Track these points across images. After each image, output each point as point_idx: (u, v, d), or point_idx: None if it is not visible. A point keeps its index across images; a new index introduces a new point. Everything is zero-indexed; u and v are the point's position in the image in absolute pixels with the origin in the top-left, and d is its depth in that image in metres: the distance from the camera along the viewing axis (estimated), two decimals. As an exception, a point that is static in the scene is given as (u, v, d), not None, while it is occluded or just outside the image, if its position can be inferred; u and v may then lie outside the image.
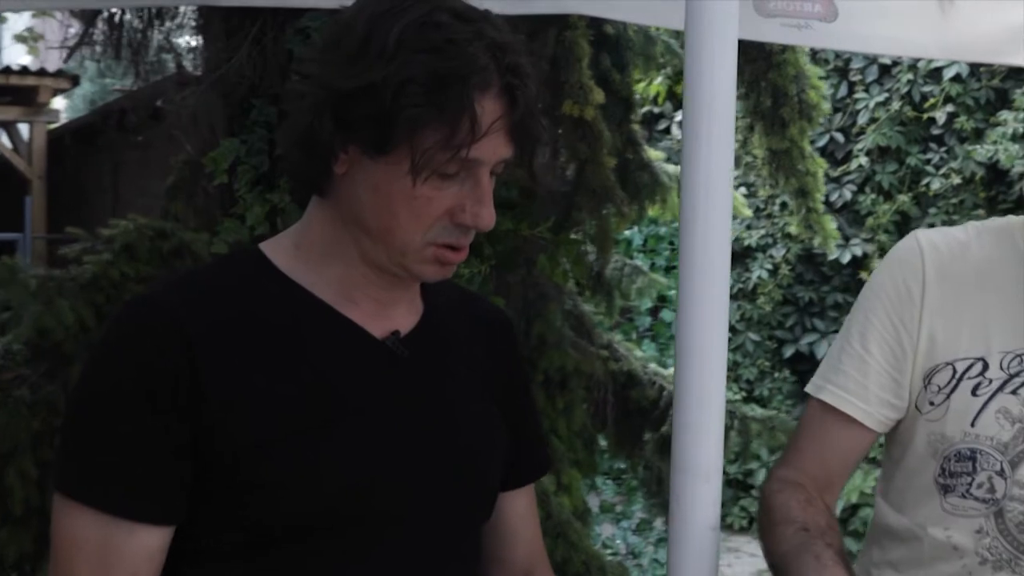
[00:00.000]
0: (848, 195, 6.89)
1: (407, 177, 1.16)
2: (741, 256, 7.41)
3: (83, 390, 1.20)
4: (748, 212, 4.81)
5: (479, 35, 1.15)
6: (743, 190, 6.96)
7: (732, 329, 7.43)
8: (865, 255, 6.82)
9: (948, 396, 1.52)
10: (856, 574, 1.61)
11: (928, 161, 6.50)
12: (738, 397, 7.02)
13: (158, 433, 1.15)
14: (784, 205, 6.62)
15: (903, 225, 6.56)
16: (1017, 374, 1.50)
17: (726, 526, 6.69)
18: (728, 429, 3.91)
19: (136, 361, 1.16)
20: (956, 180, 6.46)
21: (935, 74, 6.42)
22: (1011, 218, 1.60)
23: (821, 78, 3.87)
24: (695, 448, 1.56)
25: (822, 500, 1.53)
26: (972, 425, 1.50)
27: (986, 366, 1.51)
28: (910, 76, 6.51)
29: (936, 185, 6.52)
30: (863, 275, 6.79)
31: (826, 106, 3.86)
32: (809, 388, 1.62)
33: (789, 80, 3.71)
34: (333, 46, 1.18)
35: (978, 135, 6.46)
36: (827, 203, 6.92)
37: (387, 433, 1.23)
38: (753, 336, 7.26)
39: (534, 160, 1.24)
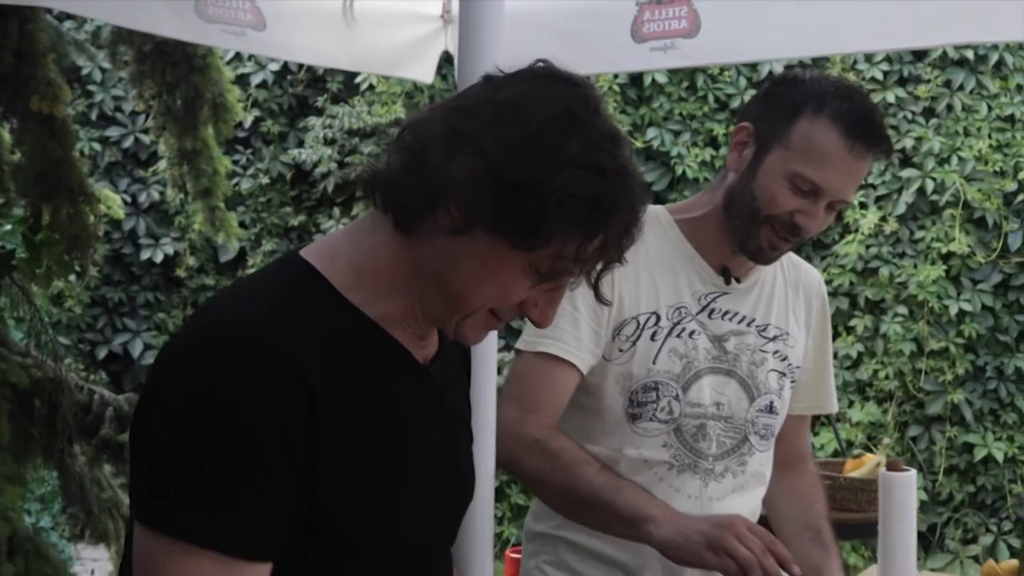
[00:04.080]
0: (156, 195, 7.03)
1: (523, 271, 1.21)
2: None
3: (198, 426, 1.13)
4: (121, 213, 4.80)
5: (631, 169, 1.23)
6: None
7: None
8: (176, 253, 7.04)
9: (634, 343, 1.95)
10: None
11: (236, 163, 6.89)
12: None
13: (280, 476, 1.15)
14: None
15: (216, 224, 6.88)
16: (679, 322, 1.98)
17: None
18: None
19: (267, 404, 1.13)
20: (264, 180, 6.97)
21: (242, 79, 6.83)
22: (654, 207, 2.07)
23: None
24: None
25: None
26: (654, 363, 1.95)
27: (659, 318, 1.97)
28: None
29: (246, 185, 6.95)
30: (179, 272, 7.00)
31: (240, 108, 4.08)
32: (523, 344, 1.94)
33: (210, 83, 3.88)
34: (501, 122, 1.18)
35: (283, 138, 7.03)
36: (134, 203, 7.03)
37: (440, 465, 1.34)
38: (64, 340, 7.08)
39: (605, 273, 1.29)
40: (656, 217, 2.04)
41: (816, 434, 6.02)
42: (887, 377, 6.26)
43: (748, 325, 2.03)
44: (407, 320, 1.29)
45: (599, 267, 1.26)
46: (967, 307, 6.13)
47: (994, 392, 6.20)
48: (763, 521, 2.27)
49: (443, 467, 1.35)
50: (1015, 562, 2.22)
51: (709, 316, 1.99)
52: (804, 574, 1.93)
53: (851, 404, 6.33)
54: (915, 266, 6.23)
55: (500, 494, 6.40)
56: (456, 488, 1.40)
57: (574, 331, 1.92)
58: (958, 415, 6.20)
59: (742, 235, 1.94)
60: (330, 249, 1.29)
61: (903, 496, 2.06)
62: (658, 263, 1.99)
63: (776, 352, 2.05)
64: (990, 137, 6.18)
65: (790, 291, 2.10)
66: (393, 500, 1.25)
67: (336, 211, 7.08)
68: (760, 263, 2.00)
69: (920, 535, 6.20)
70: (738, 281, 2.03)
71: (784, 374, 2.06)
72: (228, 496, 1.13)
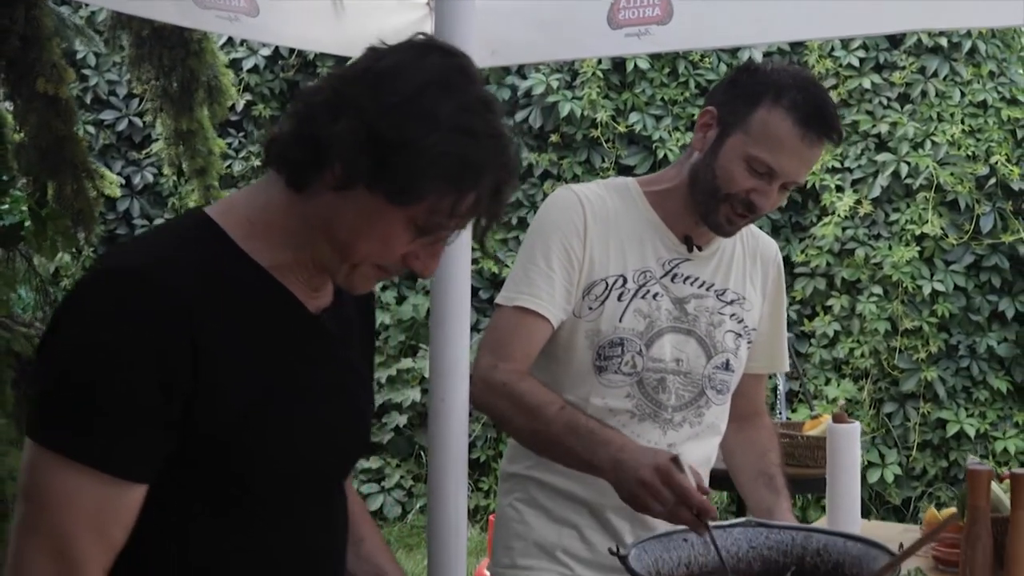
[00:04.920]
0: (150, 177, 7.19)
1: (401, 225, 1.32)
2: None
3: (86, 358, 1.26)
4: (117, 192, 4.95)
5: (502, 132, 1.34)
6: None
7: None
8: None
9: (603, 303, 2.13)
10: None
11: (229, 145, 7.04)
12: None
13: (159, 406, 1.28)
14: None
15: (210, 202, 7.03)
16: (644, 284, 2.15)
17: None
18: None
19: (149, 340, 1.26)
20: (256, 162, 7.12)
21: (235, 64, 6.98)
22: (625, 179, 2.25)
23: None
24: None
25: None
26: (620, 321, 2.13)
27: (625, 280, 2.14)
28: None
29: (238, 167, 7.11)
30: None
31: (233, 91, 4.24)
32: (501, 299, 2.12)
33: (205, 67, 4.04)
34: (380, 87, 1.29)
35: (274, 122, 7.18)
36: (128, 185, 7.18)
37: (327, 406, 1.45)
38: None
39: (488, 229, 1.39)
40: (627, 188, 2.21)
41: (794, 411, 6.21)
42: (863, 355, 6.45)
43: (707, 289, 2.20)
44: (300, 271, 1.41)
45: (483, 223, 1.36)
46: (940, 287, 6.32)
47: (966, 370, 6.39)
48: (719, 473, 2.46)
49: (330, 408, 1.45)
50: (953, 509, 2.39)
51: (672, 280, 2.16)
52: (754, 515, 2.12)
53: (828, 382, 6.52)
54: (890, 247, 6.41)
55: (487, 468, 6.58)
56: (344, 430, 1.49)
57: (549, 288, 2.09)
58: (931, 392, 6.39)
59: (704, 209, 2.11)
60: (228, 205, 1.42)
61: (848, 445, 2.25)
62: (627, 230, 2.16)
63: (733, 315, 2.22)
64: (963, 123, 6.36)
65: (748, 260, 2.27)
66: (276, 432, 1.36)
67: (327, 193, 7.22)
68: (720, 236, 2.17)
69: (895, 508, 6.42)
70: (700, 249, 2.20)
71: (740, 335, 2.23)
72: (110, 421, 1.26)
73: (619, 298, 2.13)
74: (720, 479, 2.71)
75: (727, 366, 2.21)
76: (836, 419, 2.30)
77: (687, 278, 2.18)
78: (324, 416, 1.44)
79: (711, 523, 1.78)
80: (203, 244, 1.35)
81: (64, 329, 1.29)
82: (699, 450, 2.20)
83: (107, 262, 1.37)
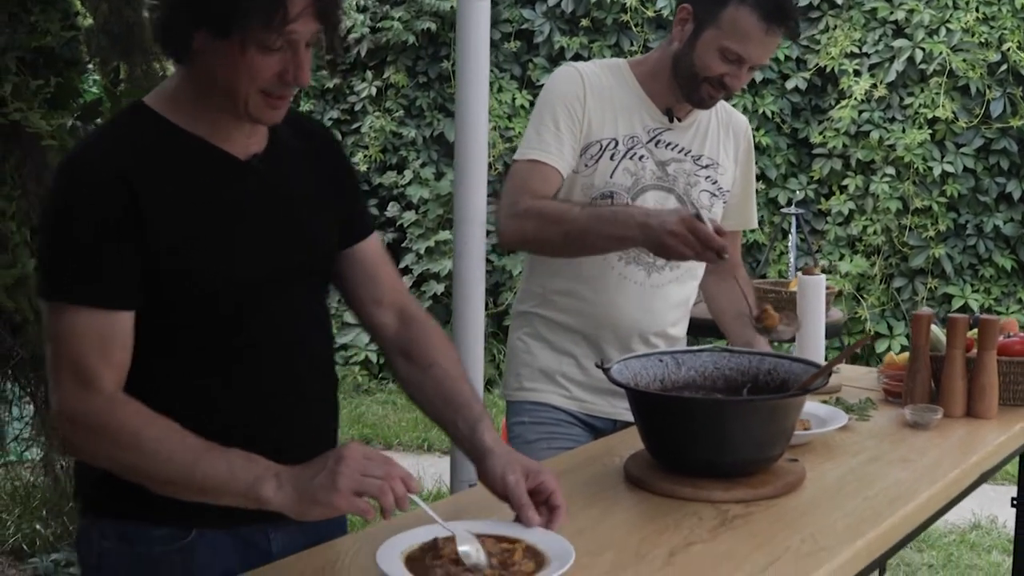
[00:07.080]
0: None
1: (241, 53, 1.58)
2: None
3: (63, 229, 1.61)
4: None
5: None
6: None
7: None
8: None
9: (597, 161, 2.52)
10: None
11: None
12: None
13: (119, 249, 1.60)
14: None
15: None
16: (631, 148, 2.54)
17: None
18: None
19: (98, 204, 1.59)
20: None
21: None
22: (618, 60, 2.63)
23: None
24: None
25: None
26: (611, 177, 2.52)
27: (616, 143, 2.53)
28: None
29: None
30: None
31: None
32: (517, 156, 2.53)
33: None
34: None
35: None
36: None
37: (263, 225, 1.73)
38: None
39: (335, 35, 1.63)
40: (619, 67, 2.60)
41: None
42: (875, 233, 6.79)
43: (685, 155, 2.58)
44: (221, 127, 1.69)
45: (326, 29, 1.61)
46: (950, 169, 6.63)
47: (973, 248, 6.72)
48: (704, 322, 2.87)
49: (267, 229, 1.73)
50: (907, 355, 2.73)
51: (655, 146, 2.55)
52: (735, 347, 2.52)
53: (842, 257, 6.88)
54: (903, 130, 6.70)
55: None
56: (287, 246, 1.76)
57: (557, 144, 2.48)
58: (939, 268, 6.74)
59: (686, 90, 2.50)
60: (159, 89, 1.73)
61: (814, 293, 2.64)
62: (619, 102, 2.54)
63: (707, 177, 2.61)
64: (977, 10, 6.58)
65: (722, 131, 2.65)
66: (222, 247, 1.68)
67: (369, 74, 7.58)
68: (701, 109, 2.55)
69: (900, 377, 6.81)
70: (679, 120, 2.58)
71: (715, 195, 2.62)
72: (88, 267, 1.60)
73: (611, 158, 2.52)
74: (705, 327, 3.13)
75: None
76: (805, 272, 2.69)
77: (668, 144, 2.56)
78: (262, 234, 1.72)
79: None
80: (136, 124, 1.67)
81: (43, 211, 1.67)
82: (680, 291, 2.61)
83: (65, 156, 1.72)
